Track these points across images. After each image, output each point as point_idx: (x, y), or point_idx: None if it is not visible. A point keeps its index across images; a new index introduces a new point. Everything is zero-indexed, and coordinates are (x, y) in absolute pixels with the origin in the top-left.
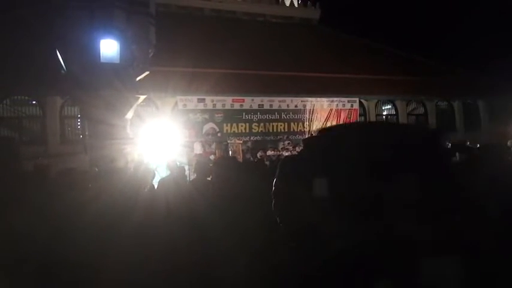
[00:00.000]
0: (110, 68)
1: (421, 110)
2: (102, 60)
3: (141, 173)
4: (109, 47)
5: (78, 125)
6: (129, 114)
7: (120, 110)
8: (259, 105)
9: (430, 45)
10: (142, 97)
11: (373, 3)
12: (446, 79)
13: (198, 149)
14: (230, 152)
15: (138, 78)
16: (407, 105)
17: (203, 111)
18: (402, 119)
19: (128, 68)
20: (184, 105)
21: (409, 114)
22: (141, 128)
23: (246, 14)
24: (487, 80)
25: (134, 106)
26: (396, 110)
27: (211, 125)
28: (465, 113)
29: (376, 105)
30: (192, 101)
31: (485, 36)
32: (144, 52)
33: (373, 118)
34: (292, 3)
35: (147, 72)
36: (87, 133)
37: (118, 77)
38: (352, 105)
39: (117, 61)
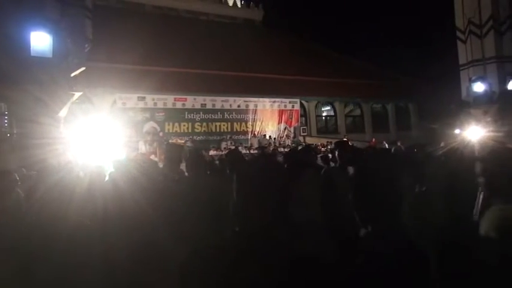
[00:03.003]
0: (41, 62)
1: (358, 112)
2: (32, 53)
3: (76, 174)
4: (40, 40)
5: (6, 123)
6: (63, 112)
7: (52, 107)
8: (201, 104)
9: (368, 50)
10: (77, 94)
11: (317, 8)
12: (380, 83)
13: (142, 148)
14: None
15: (72, 74)
16: (345, 106)
17: (144, 109)
18: (340, 120)
19: (61, 63)
20: (124, 103)
21: (346, 115)
22: (76, 127)
23: (188, 12)
24: (416, 84)
25: (68, 103)
26: (335, 111)
27: (152, 124)
28: (397, 114)
29: (316, 106)
30: (131, 99)
31: (417, 45)
32: (80, 46)
33: (313, 119)
34: (235, 3)
35: (82, 68)
36: (15, 131)
37: (50, 72)
38: (293, 106)
39: (50, 55)
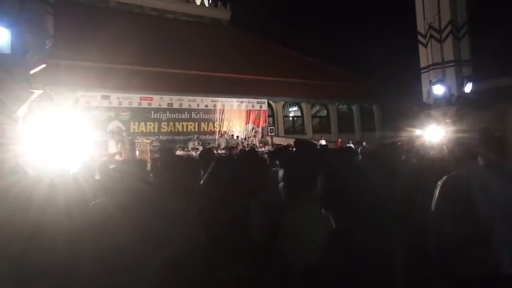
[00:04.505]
0: None
1: (324, 113)
2: None
3: (36, 175)
4: None
5: None
6: (21, 111)
7: (9, 106)
8: (168, 104)
9: (333, 52)
10: (37, 92)
11: (284, 9)
12: (346, 84)
13: (112, 148)
14: (137, 152)
15: (32, 71)
16: (311, 107)
17: (108, 108)
18: (307, 120)
19: (20, 59)
20: (87, 102)
21: (313, 116)
22: (36, 126)
23: (154, 9)
24: (380, 86)
25: (27, 102)
26: (302, 111)
27: (116, 123)
28: (362, 115)
29: (283, 107)
30: (95, 98)
31: (381, 48)
32: (40, 42)
33: (280, 119)
34: (202, 2)
35: (43, 65)
36: None
37: (7, 69)
38: (261, 106)
39: (7, 51)
